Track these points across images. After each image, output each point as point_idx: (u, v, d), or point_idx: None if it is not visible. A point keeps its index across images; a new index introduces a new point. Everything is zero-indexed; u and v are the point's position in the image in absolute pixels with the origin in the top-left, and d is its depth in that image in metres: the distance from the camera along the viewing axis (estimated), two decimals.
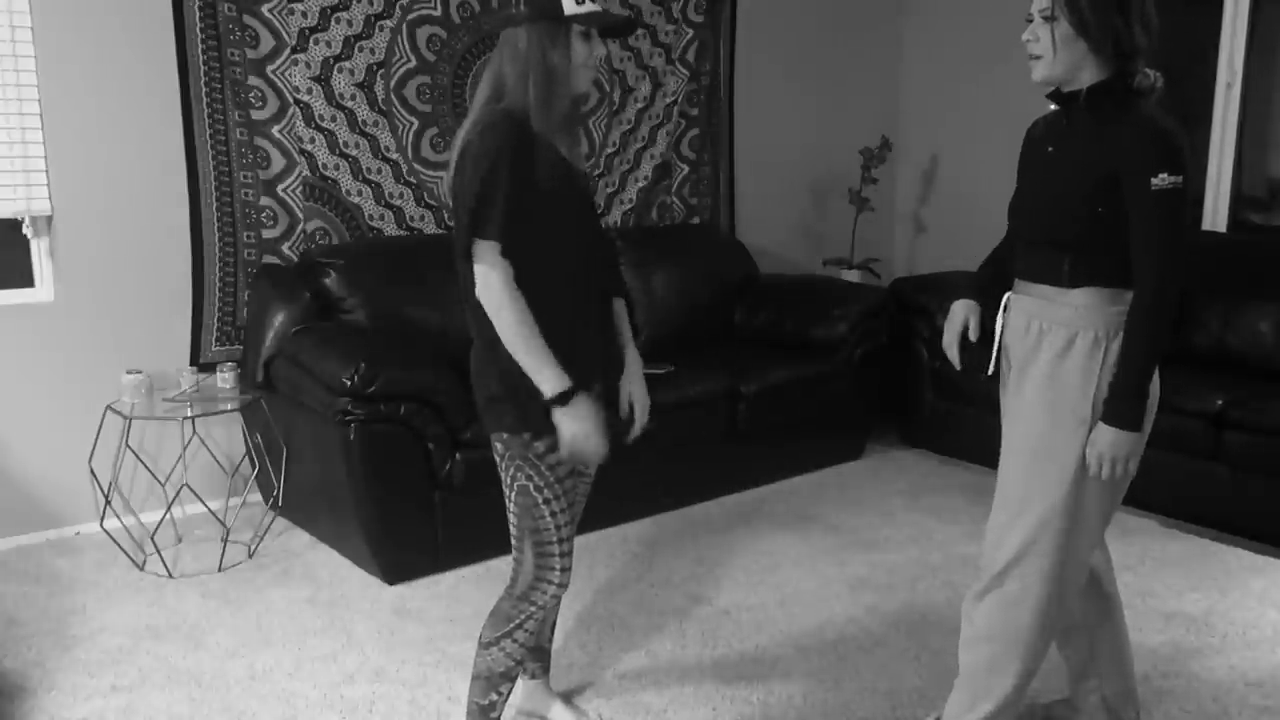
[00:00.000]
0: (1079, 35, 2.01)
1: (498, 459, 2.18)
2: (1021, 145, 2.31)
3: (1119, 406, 2.03)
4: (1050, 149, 2.15)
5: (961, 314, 2.40)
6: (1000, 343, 2.28)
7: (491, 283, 2.01)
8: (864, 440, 4.77)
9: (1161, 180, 1.95)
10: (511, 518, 2.19)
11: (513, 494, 2.16)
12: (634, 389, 2.35)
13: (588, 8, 2.06)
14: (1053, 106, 2.19)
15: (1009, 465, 2.19)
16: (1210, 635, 3.06)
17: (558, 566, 2.18)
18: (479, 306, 2.05)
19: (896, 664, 2.90)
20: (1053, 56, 2.04)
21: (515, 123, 2.04)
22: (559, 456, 2.11)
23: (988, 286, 2.39)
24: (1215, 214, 4.79)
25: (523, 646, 2.24)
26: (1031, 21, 2.06)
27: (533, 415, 2.07)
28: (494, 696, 2.26)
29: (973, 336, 2.38)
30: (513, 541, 2.22)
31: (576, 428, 2.03)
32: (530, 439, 2.10)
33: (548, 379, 2.01)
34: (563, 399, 2.02)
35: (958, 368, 2.39)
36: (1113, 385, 2.04)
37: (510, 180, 2.00)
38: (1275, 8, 4.64)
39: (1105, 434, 2.04)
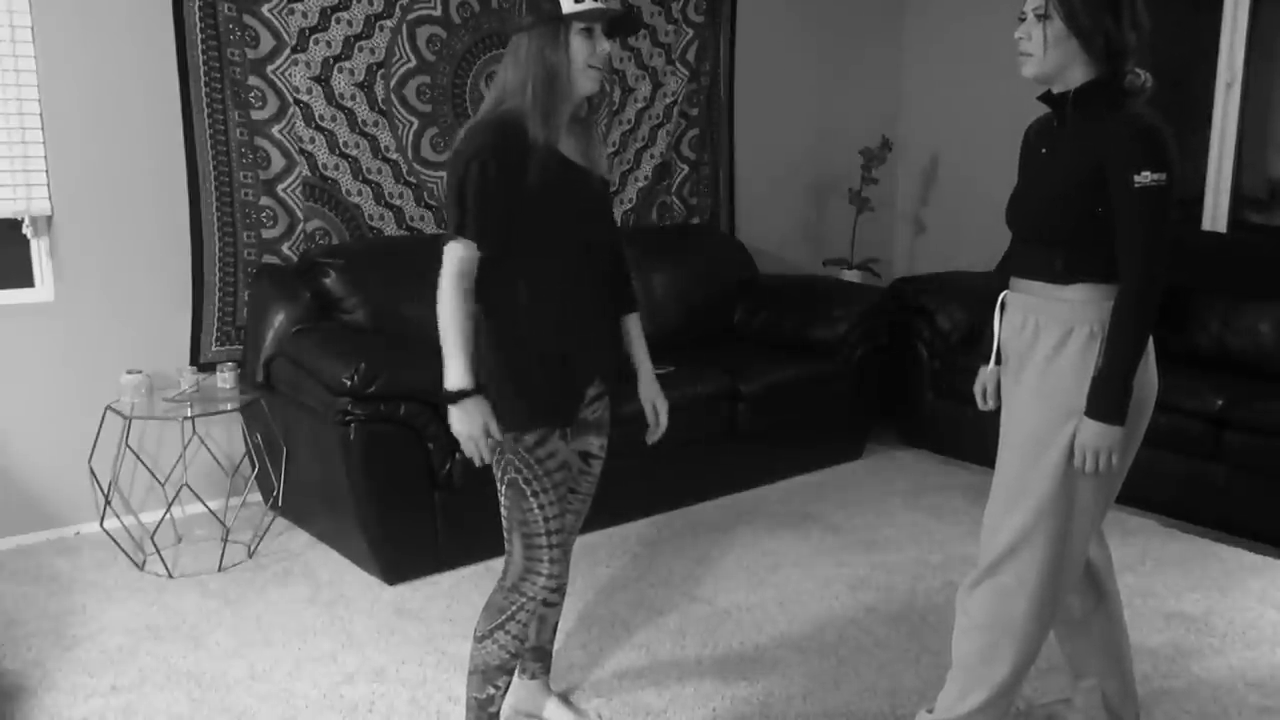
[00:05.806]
0: (1071, 34, 2.03)
1: None
2: (1020, 148, 2.33)
3: (1100, 400, 2.05)
4: (1044, 150, 2.19)
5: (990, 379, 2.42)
6: (999, 339, 2.30)
7: (445, 273, 2.07)
8: (864, 440, 4.76)
9: (1144, 177, 1.97)
10: (503, 510, 2.22)
11: (503, 486, 2.20)
12: (654, 395, 2.43)
13: (587, 5, 2.06)
14: (1046, 108, 2.21)
15: (1006, 457, 2.21)
16: (1210, 635, 3.06)
17: (545, 559, 2.20)
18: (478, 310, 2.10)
19: (896, 664, 2.90)
20: (1043, 54, 2.07)
21: (505, 124, 2.07)
22: (549, 450, 2.15)
23: (1000, 289, 2.40)
24: (1215, 214, 4.78)
25: (516, 639, 2.24)
26: (1024, 20, 2.09)
27: (518, 411, 2.12)
28: (491, 691, 2.27)
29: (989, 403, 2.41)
30: (504, 534, 2.24)
31: (462, 428, 2.08)
32: (519, 433, 2.14)
33: (452, 371, 2.07)
34: (456, 397, 2.07)
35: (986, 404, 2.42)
36: (1094, 379, 2.06)
37: (496, 180, 2.04)
38: (1275, 8, 4.64)
39: (1087, 426, 2.06)
